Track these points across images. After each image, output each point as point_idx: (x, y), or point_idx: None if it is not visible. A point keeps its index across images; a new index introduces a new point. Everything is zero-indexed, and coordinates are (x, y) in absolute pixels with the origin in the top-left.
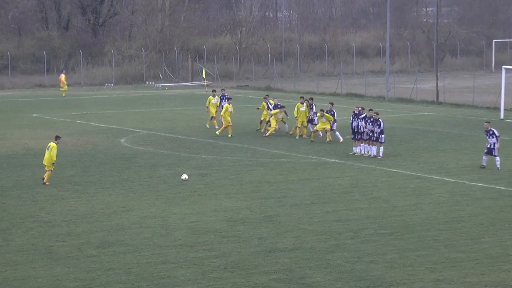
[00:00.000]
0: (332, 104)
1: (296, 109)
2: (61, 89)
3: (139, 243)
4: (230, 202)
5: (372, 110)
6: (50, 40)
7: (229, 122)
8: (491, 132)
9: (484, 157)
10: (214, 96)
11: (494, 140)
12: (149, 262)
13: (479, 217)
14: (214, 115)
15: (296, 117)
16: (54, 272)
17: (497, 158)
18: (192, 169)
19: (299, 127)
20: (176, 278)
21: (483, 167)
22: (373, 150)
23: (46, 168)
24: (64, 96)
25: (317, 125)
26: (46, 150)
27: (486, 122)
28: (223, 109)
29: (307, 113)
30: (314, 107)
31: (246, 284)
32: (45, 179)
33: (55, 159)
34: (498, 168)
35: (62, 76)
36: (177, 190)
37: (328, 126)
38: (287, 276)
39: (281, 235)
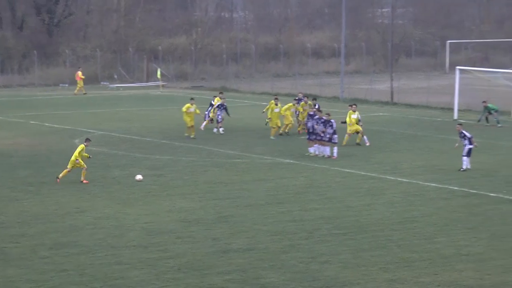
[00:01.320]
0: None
1: (270, 110)
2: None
3: (93, 244)
4: (184, 202)
5: (320, 110)
6: (4, 40)
7: (187, 122)
8: (462, 135)
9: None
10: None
11: (466, 141)
12: (103, 263)
13: (433, 217)
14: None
15: (269, 118)
16: (7, 273)
17: (464, 159)
18: (146, 170)
19: (275, 128)
20: (130, 279)
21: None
22: (326, 150)
23: (68, 166)
24: (76, 94)
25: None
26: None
27: (458, 124)
28: (184, 108)
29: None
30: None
31: (200, 285)
32: (81, 178)
33: (72, 159)
34: (461, 169)
35: (79, 73)
36: (131, 191)
37: (359, 128)
38: (242, 277)
39: (236, 236)
